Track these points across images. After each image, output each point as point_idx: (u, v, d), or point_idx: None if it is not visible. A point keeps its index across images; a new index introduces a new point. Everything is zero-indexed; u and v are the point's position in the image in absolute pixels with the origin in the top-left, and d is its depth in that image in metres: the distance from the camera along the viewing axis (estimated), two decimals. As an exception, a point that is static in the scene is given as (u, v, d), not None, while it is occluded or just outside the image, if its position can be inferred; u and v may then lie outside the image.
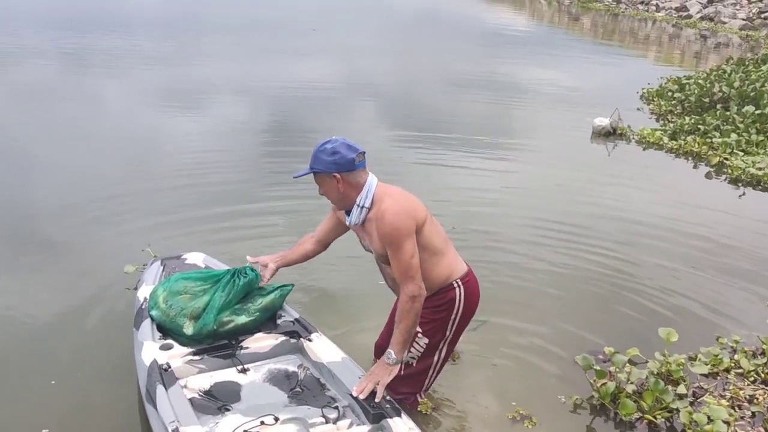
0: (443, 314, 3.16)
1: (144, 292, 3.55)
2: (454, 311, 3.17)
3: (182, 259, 3.95)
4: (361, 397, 2.89)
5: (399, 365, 3.02)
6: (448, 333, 3.22)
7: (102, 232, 5.43)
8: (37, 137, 8.11)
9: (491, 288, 4.79)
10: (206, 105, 10.32)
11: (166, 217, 5.75)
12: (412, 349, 3.17)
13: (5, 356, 3.80)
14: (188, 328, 3.18)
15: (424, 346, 3.18)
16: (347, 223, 3.13)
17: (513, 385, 3.76)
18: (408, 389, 3.29)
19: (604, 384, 3.57)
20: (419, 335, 3.15)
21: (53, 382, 3.56)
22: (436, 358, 3.26)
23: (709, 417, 3.32)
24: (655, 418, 3.43)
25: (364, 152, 3.03)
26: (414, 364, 3.22)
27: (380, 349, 3.52)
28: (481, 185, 7.26)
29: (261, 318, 3.33)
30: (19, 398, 3.45)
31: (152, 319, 3.30)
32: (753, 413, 3.56)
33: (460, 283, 3.16)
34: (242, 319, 3.26)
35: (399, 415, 2.76)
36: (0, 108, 9.44)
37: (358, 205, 3.00)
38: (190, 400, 2.89)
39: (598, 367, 3.69)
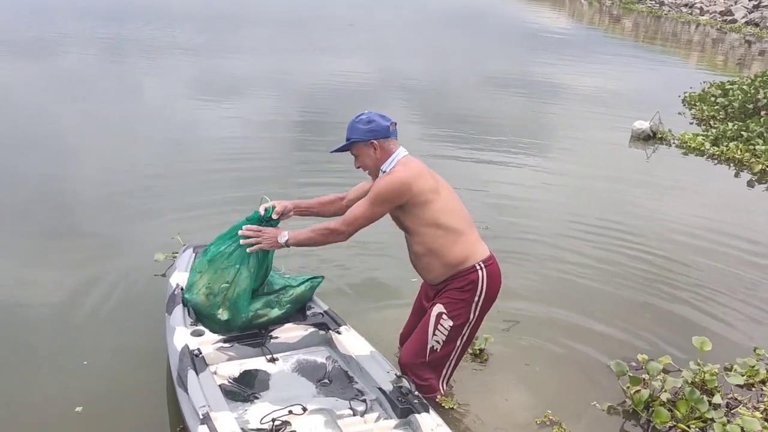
0: (467, 295, 3.19)
1: (176, 279, 3.59)
2: (477, 293, 3.20)
3: None
4: (241, 233, 3.16)
5: (281, 247, 3.18)
6: (471, 316, 3.24)
7: (134, 220, 5.52)
8: (73, 125, 8.27)
9: (523, 287, 4.77)
10: (241, 96, 10.41)
11: (198, 205, 5.81)
12: (437, 333, 3.21)
13: (40, 337, 3.88)
14: (223, 314, 3.20)
15: (449, 329, 3.21)
16: None
17: (543, 387, 3.71)
18: (431, 374, 3.30)
19: (638, 391, 3.51)
20: (444, 317, 3.19)
21: (85, 362, 3.62)
22: (458, 342, 3.28)
23: (742, 429, 3.25)
24: (689, 427, 3.35)
25: (396, 123, 3.21)
26: (438, 349, 3.25)
27: (404, 339, 3.52)
28: (516, 185, 7.20)
29: (291, 309, 3.35)
30: (53, 377, 3.52)
31: (185, 304, 3.33)
32: (787, 427, 3.46)
33: (482, 265, 3.20)
34: (275, 312, 3.29)
35: (427, 411, 2.74)
36: (38, 96, 9.62)
37: (382, 170, 3.15)
38: (220, 386, 2.91)
39: (632, 374, 3.62)
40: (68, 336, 3.90)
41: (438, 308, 3.21)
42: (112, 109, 9.06)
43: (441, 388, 3.35)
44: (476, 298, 3.21)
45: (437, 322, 3.21)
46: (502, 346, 4.03)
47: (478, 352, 3.87)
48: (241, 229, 3.20)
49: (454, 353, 3.31)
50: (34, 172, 6.50)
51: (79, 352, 3.70)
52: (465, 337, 3.30)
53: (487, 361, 3.88)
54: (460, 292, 3.19)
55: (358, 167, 3.24)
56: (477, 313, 3.25)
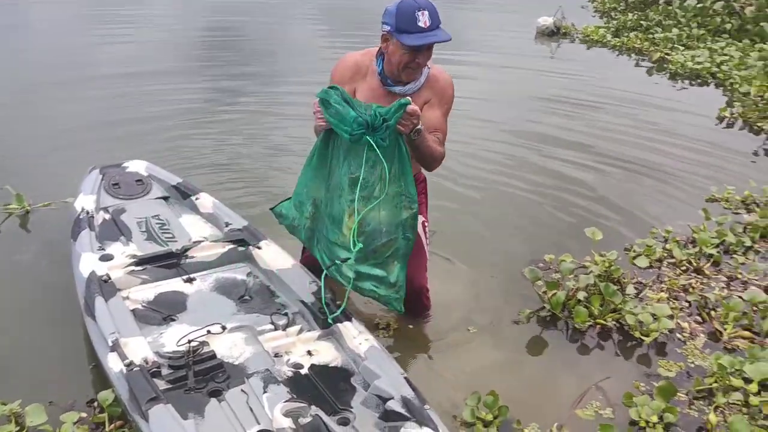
0: (424, 197, 3.18)
1: (82, 202, 3.40)
2: (426, 189, 3.21)
3: (123, 167, 3.80)
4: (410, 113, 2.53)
5: (414, 132, 2.63)
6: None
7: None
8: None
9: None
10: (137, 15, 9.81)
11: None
12: (429, 242, 3.19)
13: None
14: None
15: (427, 233, 3.17)
16: (403, 92, 2.80)
17: (460, 300, 3.59)
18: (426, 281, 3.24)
19: (554, 294, 3.44)
20: (426, 224, 3.14)
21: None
22: None
23: (653, 315, 3.31)
24: (606, 321, 3.37)
25: None
26: (428, 255, 3.20)
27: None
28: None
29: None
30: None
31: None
32: (689, 302, 3.59)
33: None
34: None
35: (349, 320, 2.74)
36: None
37: (428, 66, 2.85)
38: (133, 311, 2.79)
39: (547, 279, 3.57)
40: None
41: (420, 218, 3.06)
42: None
43: None
44: (426, 198, 3.20)
45: (425, 231, 3.13)
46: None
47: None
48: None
49: None
50: None
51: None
52: None
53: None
54: (422, 197, 3.11)
55: (421, 63, 2.73)
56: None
